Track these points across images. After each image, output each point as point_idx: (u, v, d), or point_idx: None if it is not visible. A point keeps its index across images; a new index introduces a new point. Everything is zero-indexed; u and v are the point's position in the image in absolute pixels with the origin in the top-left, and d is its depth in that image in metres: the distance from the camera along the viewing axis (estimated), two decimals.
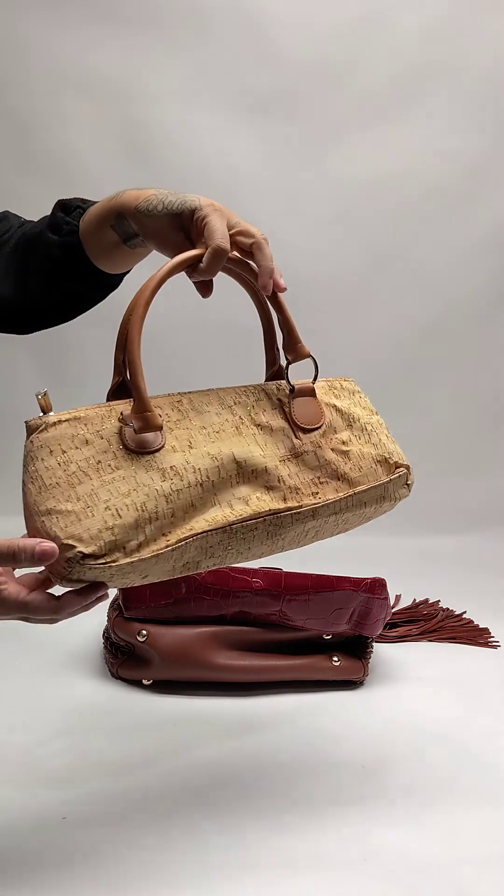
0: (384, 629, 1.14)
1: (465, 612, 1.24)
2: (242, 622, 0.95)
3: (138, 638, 0.91)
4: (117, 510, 0.53)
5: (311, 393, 0.65)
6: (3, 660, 1.00)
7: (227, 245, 0.59)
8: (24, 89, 1.70)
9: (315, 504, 0.61)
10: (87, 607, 0.55)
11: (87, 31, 1.69)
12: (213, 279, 0.62)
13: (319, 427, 0.65)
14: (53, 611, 0.53)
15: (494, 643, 1.17)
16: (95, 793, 0.71)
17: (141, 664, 0.93)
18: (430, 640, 1.17)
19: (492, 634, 1.19)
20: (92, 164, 1.74)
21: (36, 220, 0.80)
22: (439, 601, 1.28)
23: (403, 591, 1.28)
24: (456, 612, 1.24)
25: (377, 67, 1.77)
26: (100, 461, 0.55)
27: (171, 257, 0.61)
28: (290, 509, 0.60)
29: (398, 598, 1.27)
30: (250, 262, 0.62)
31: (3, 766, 0.75)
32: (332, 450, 0.64)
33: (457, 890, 0.60)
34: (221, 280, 0.64)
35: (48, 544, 0.51)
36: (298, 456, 0.63)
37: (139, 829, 0.66)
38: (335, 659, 0.96)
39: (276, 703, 0.93)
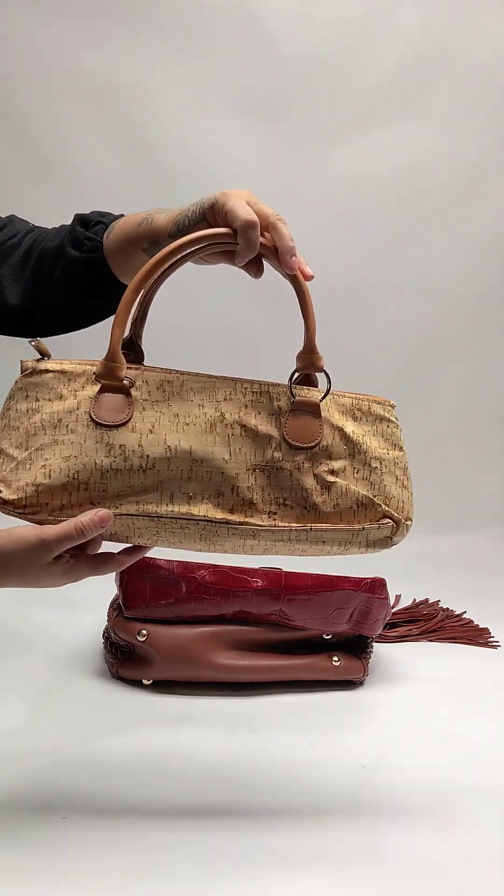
0: (384, 629, 1.14)
1: (465, 612, 1.24)
2: (242, 622, 0.95)
3: (138, 638, 0.91)
4: (50, 471, 0.56)
5: (314, 410, 0.60)
6: (2, 659, 1.00)
7: (254, 216, 0.57)
8: (24, 90, 1.70)
9: (258, 526, 0.58)
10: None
11: (86, 31, 1.69)
12: (250, 263, 0.61)
13: (310, 448, 0.59)
14: (96, 574, 0.60)
15: (494, 643, 1.17)
16: (95, 793, 0.71)
17: (141, 664, 0.93)
18: (430, 640, 1.17)
19: (492, 634, 1.19)
20: (93, 164, 1.74)
21: (41, 225, 0.80)
22: (439, 601, 1.28)
23: (403, 591, 1.28)
24: (456, 612, 1.24)
25: (379, 67, 1.77)
26: (61, 419, 0.57)
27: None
28: (227, 522, 0.58)
29: (398, 598, 1.27)
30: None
31: (1, 766, 0.75)
32: (315, 475, 0.59)
33: (457, 889, 0.60)
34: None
35: (103, 511, 0.55)
36: (272, 470, 0.59)
37: (139, 828, 0.66)
38: (335, 659, 0.96)
39: (276, 703, 0.92)
